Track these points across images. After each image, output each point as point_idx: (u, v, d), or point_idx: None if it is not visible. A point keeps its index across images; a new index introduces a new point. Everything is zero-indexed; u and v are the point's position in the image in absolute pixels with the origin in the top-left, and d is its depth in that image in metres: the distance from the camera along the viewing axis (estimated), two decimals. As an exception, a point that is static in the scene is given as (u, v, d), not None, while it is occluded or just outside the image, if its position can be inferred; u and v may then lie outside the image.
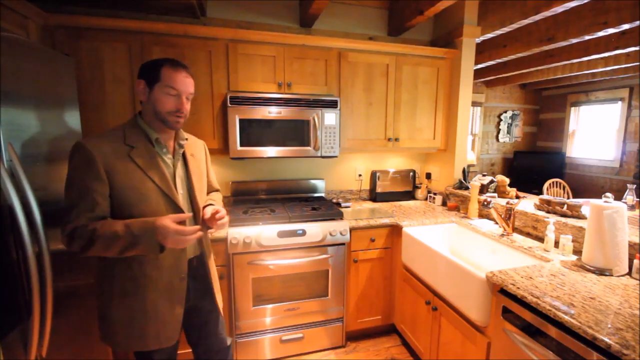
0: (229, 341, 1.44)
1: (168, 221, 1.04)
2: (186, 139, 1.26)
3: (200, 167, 1.34)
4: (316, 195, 2.58)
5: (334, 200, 2.57)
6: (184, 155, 1.26)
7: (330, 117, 2.16)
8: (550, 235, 1.61)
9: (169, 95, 1.13)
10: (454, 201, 2.51)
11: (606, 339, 0.91)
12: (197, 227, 1.10)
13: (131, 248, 1.04)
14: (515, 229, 1.95)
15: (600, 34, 2.36)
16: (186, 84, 1.15)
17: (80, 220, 1.01)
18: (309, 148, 2.15)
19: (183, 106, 1.15)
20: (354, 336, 2.27)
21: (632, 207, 1.90)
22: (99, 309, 1.16)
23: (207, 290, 1.34)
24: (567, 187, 4.05)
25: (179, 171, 1.23)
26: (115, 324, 1.13)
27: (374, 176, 2.68)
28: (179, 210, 1.16)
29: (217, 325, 1.38)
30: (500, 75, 4.07)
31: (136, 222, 1.05)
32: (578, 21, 2.42)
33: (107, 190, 1.05)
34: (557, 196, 2.78)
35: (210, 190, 1.47)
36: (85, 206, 1.02)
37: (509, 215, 1.84)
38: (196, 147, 1.35)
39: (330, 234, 1.99)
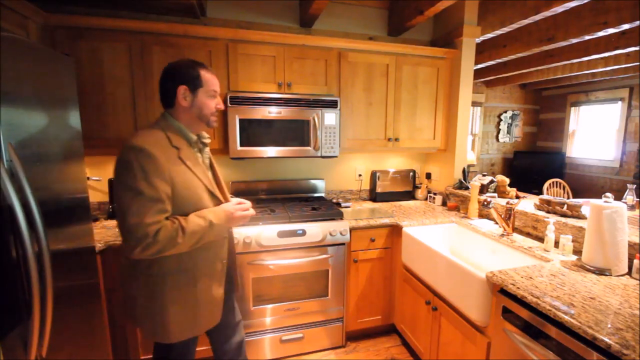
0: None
1: (229, 204, 1.24)
2: (208, 137, 1.32)
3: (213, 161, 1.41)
4: (316, 195, 2.58)
5: (334, 200, 2.57)
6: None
7: (330, 117, 2.16)
8: (550, 235, 1.61)
9: (212, 97, 1.22)
10: (454, 201, 2.51)
11: (606, 339, 0.91)
12: (248, 202, 1.29)
13: (206, 238, 1.15)
14: (515, 229, 1.95)
15: (600, 34, 2.36)
16: (218, 83, 1.26)
17: (160, 221, 1.05)
18: (309, 148, 2.15)
19: (221, 104, 1.26)
20: (354, 336, 2.27)
21: (632, 207, 1.90)
22: (146, 309, 1.17)
23: (230, 267, 1.42)
24: (567, 187, 4.05)
25: (208, 167, 1.31)
26: (170, 318, 1.16)
27: (374, 176, 2.68)
28: (221, 203, 1.24)
29: (233, 297, 1.51)
30: (500, 75, 4.06)
31: (206, 212, 1.15)
32: (578, 21, 2.42)
33: (171, 191, 1.09)
34: (557, 196, 2.78)
35: None
36: (160, 207, 1.06)
37: (509, 215, 1.84)
38: None
39: (330, 234, 1.99)
